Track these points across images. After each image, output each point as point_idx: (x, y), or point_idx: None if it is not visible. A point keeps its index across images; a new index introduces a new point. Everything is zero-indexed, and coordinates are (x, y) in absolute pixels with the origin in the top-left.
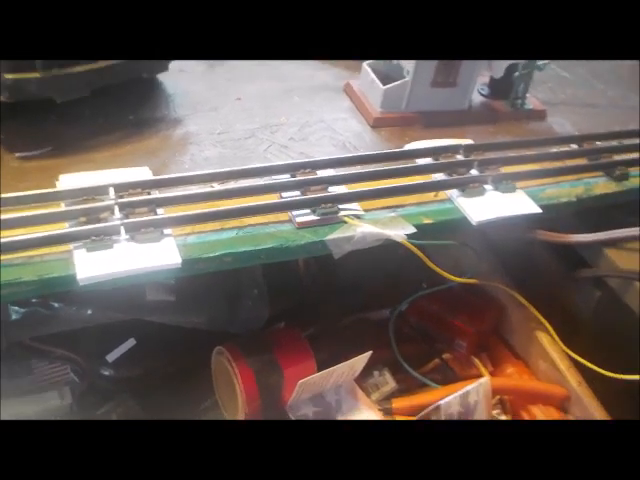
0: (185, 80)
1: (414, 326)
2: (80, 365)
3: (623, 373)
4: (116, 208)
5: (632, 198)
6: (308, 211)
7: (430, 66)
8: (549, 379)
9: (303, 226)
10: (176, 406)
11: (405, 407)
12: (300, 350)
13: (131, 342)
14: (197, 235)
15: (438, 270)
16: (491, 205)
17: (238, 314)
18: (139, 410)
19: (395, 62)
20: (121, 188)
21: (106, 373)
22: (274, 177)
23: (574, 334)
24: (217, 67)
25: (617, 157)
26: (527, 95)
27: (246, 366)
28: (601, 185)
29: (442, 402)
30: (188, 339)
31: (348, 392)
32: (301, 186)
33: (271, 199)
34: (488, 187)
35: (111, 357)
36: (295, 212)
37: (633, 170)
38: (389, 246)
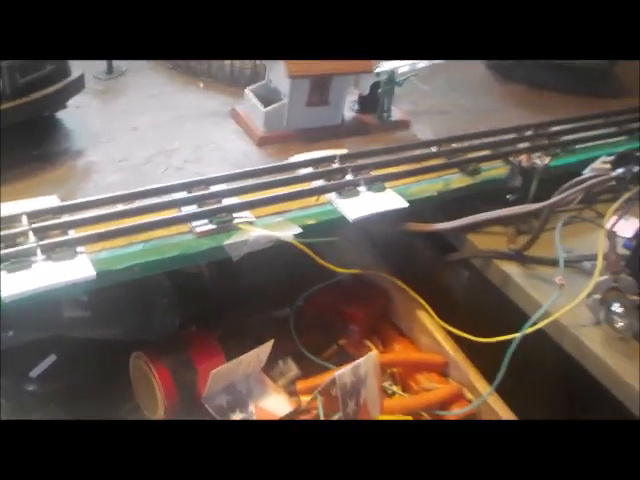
0: (82, 115)
1: (312, 318)
2: (4, 384)
3: (490, 337)
4: (30, 233)
5: (484, 189)
6: (206, 221)
7: (304, 87)
8: (430, 350)
9: (202, 235)
10: (100, 412)
11: (307, 387)
12: (211, 348)
13: (52, 358)
14: (108, 250)
15: (325, 264)
16: (365, 204)
17: (151, 322)
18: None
19: (273, 86)
20: (33, 215)
21: (30, 389)
22: (173, 195)
23: (450, 309)
24: (111, 101)
25: (470, 155)
26: (392, 108)
27: (163, 366)
28: (457, 180)
29: (336, 373)
30: (106, 349)
31: (257, 380)
32: (198, 200)
33: (172, 214)
34: (362, 189)
35: (34, 373)
36: (194, 223)
37: (484, 165)
38: (284, 248)
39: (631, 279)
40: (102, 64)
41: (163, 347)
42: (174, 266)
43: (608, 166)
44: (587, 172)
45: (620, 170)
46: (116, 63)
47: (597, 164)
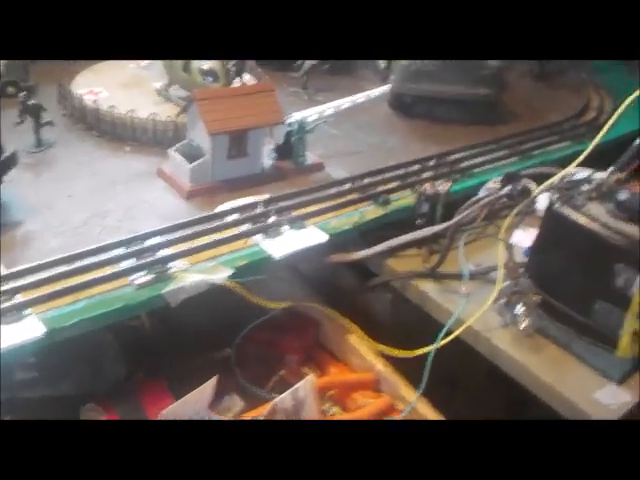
0: (17, 188)
1: (253, 353)
2: None
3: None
4: None
5: (396, 217)
6: (144, 273)
7: (223, 143)
8: (363, 369)
9: (141, 286)
10: None
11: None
12: (159, 393)
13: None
14: (55, 309)
15: (258, 301)
16: (289, 242)
17: (100, 375)
18: None
19: (195, 144)
20: None
21: None
22: (111, 252)
23: (377, 330)
24: (44, 172)
25: (380, 188)
26: (306, 153)
27: (115, 415)
28: (371, 211)
29: (277, 399)
30: (56, 406)
31: (205, 417)
32: (134, 255)
33: (112, 269)
34: (285, 228)
35: None
36: (133, 276)
37: (393, 196)
38: (220, 290)
39: (529, 281)
40: (31, 138)
41: (113, 397)
42: (118, 318)
43: (498, 185)
44: (481, 192)
45: (507, 188)
46: (45, 135)
47: (489, 184)
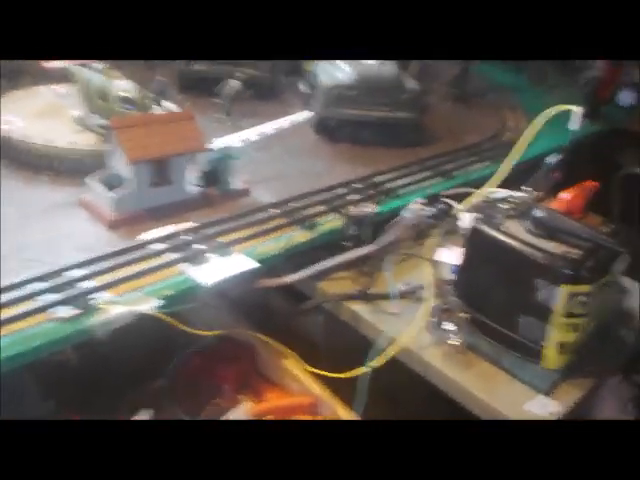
0: None
1: (187, 383)
2: None
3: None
4: None
5: (324, 240)
6: (68, 307)
7: (145, 170)
8: (299, 393)
9: (66, 320)
10: None
11: None
12: None
13: None
14: None
15: (188, 329)
16: (216, 269)
17: (27, 410)
18: None
19: (115, 172)
20: None
21: None
22: (31, 287)
23: (315, 353)
24: None
25: (306, 212)
26: (232, 179)
27: None
28: (298, 235)
29: None
30: None
31: None
32: (57, 289)
33: (33, 305)
34: (211, 255)
35: None
36: (57, 310)
37: (320, 219)
38: (150, 320)
39: (457, 300)
40: None
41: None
42: (42, 353)
43: (421, 206)
44: (405, 213)
45: (429, 209)
46: None
47: (412, 206)
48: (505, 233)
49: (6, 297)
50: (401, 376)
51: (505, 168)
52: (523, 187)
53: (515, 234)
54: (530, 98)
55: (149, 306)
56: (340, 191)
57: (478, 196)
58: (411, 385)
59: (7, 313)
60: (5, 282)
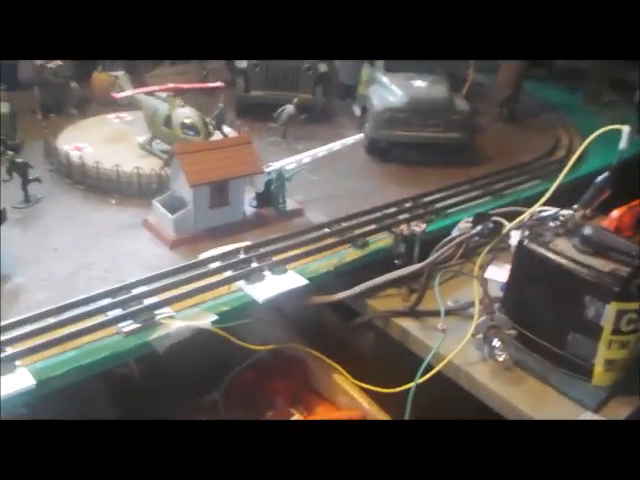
0: (5, 244)
1: (240, 397)
2: None
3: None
4: None
5: (374, 258)
6: (131, 322)
7: (205, 193)
8: (348, 408)
9: (128, 334)
10: None
11: None
12: None
13: None
14: (43, 360)
15: (243, 344)
16: (270, 286)
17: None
18: None
19: (177, 195)
20: None
21: None
22: (98, 302)
23: (364, 368)
24: (31, 227)
25: (357, 231)
26: (286, 200)
27: None
28: (350, 254)
29: None
30: None
31: None
32: (121, 304)
33: (99, 319)
34: (266, 273)
35: None
36: (120, 324)
37: (371, 238)
38: (206, 336)
39: (504, 317)
40: (19, 194)
41: None
42: (106, 366)
43: (470, 225)
44: (454, 232)
45: (478, 227)
46: (32, 192)
47: (461, 224)
48: (553, 250)
49: (75, 312)
50: (448, 392)
51: (554, 186)
52: (574, 206)
53: (563, 251)
54: (583, 117)
55: (206, 321)
56: (390, 210)
57: (527, 214)
58: (458, 401)
59: (76, 327)
60: (75, 298)
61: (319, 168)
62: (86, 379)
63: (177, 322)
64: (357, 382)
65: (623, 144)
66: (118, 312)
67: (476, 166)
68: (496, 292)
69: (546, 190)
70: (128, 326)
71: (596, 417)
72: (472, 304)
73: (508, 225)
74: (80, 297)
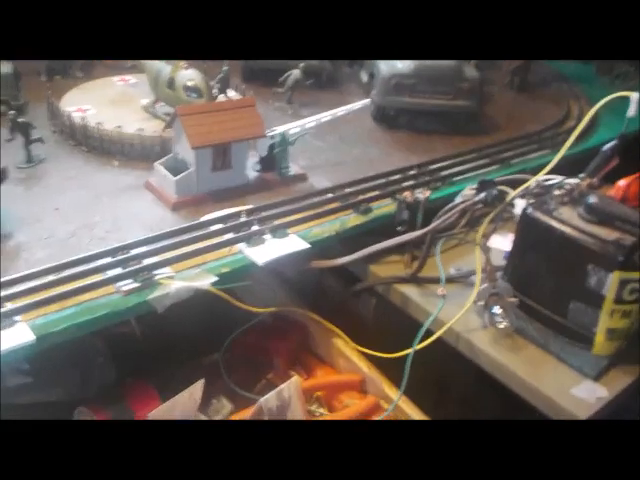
0: (7, 202)
1: (240, 358)
2: None
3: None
4: None
5: (377, 224)
6: (130, 281)
7: (207, 156)
8: (348, 371)
9: (128, 293)
10: None
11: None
12: (148, 396)
13: None
14: (43, 316)
15: (243, 306)
16: (271, 249)
17: (91, 380)
18: None
19: (180, 157)
20: None
21: None
22: (98, 261)
23: (362, 333)
24: (33, 187)
25: (361, 197)
26: (289, 164)
27: (104, 416)
28: (352, 219)
29: (262, 399)
30: (47, 412)
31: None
32: (121, 263)
33: (99, 278)
34: (267, 237)
35: None
36: (119, 283)
37: (374, 204)
38: (206, 297)
39: (507, 284)
40: (21, 154)
41: (103, 400)
42: (105, 324)
43: (473, 192)
44: (457, 199)
45: (482, 195)
46: (35, 152)
47: (465, 191)
48: (557, 219)
49: (75, 270)
50: (449, 358)
51: (560, 154)
52: (580, 174)
53: (568, 220)
54: (596, 88)
55: (206, 282)
56: (395, 177)
57: (532, 182)
58: (459, 367)
59: (76, 284)
60: (75, 257)
61: (324, 134)
62: (85, 335)
63: (176, 282)
64: (357, 346)
65: (631, 112)
66: (117, 271)
67: (485, 135)
68: (499, 261)
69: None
70: (127, 285)
71: (597, 386)
72: (474, 272)
73: (512, 192)
74: (80, 256)
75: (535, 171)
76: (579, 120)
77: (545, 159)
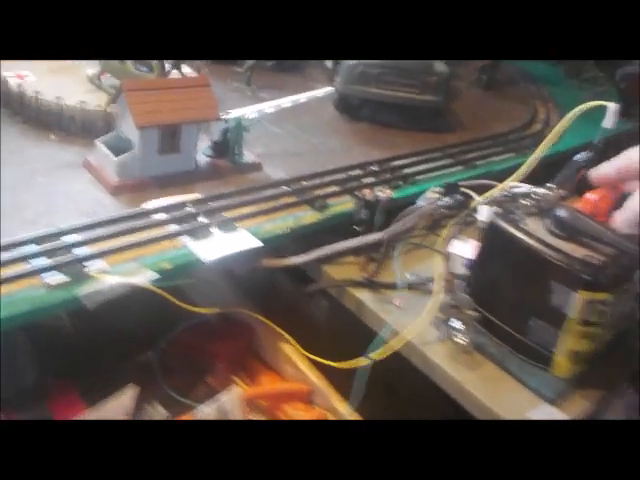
0: None
1: (178, 359)
2: None
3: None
4: None
5: (334, 222)
6: (58, 273)
7: (154, 137)
8: (295, 380)
9: (55, 287)
10: None
11: None
12: (70, 400)
13: None
14: None
15: (182, 305)
16: (219, 245)
17: (7, 379)
18: None
19: (124, 136)
20: None
21: None
22: (22, 249)
23: (313, 339)
24: None
25: (318, 192)
26: (244, 151)
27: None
28: (308, 216)
29: (198, 409)
30: None
31: None
32: (48, 252)
33: (22, 268)
34: (215, 230)
35: None
36: (45, 275)
37: (331, 201)
38: (144, 294)
39: (466, 296)
40: None
41: (20, 402)
42: (27, 320)
43: (437, 195)
44: (419, 201)
45: (446, 199)
46: None
47: (428, 194)
48: (523, 230)
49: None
50: (402, 371)
51: (531, 162)
52: (548, 184)
53: (534, 233)
54: (563, 91)
55: (144, 278)
56: (355, 173)
57: (499, 189)
58: (411, 381)
59: None
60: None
61: (283, 121)
62: (4, 332)
63: (111, 277)
64: (306, 353)
65: (609, 122)
66: (46, 261)
67: (449, 133)
68: (459, 268)
69: (520, 164)
70: (55, 278)
71: (554, 410)
72: (432, 279)
73: (477, 198)
74: (2, 241)
75: (499, 174)
76: (546, 124)
77: (510, 163)
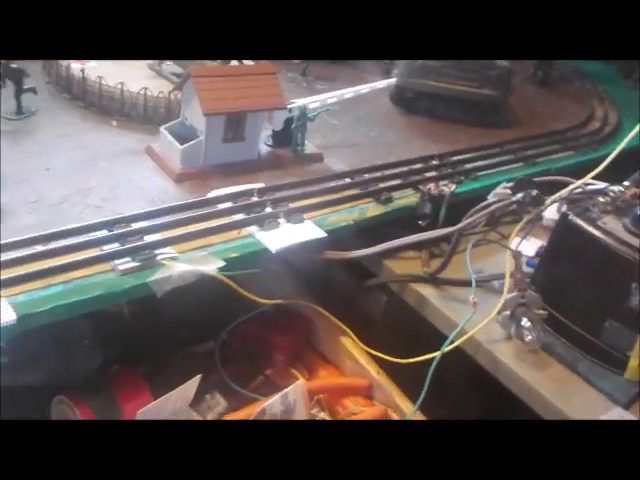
0: None
1: (238, 350)
2: None
3: (409, 357)
4: None
5: (397, 216)
6: (128, 259)
7: (219, 124)
8: (354, 374)
9: (125, 272)
10: None
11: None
12: (136, 387)
13: None
14: (26, 294)
15: (247, 295)
16: (285, 235)
17: (73, 365)
18: None
19: (188, 123)
20: None
21: None
22: (93, 234)
23: (371, 333)
24: (21, 142)
25: (382, 185)
26: (305, 142)
27: (87, 409)
28: (372, 209)
29: (266, 404)
30: (26, 397)
31: (185, 417)
32: (119, 238)
33: (93, 253)
34: (282, 221)
35: None
36: (116, 261)
37: (395, 194)
38: (208, 281)
39: (536, 294)
40: (11, 104)
41: (86, 389)
42: (97, 306)
43: (508, 191)
44: (490, 197)
45: (519, 195)
46: (26, 103)
47: (499, 189)
48: (602, 229)
49: (66, 242)
50: (465, 369)
51: (609, 159)
52: (624, 182)
53: (612, 231)
54: (618, 90)
55: (212, 267)
56: (417, 166)
57: (575, 186)
58: (475, 380)
59: (66, 259)
60: (67, 226)
61: (340, 112)
62: (73, 318)
63: (180, 265)
64: (366, 348)
65: None
66: (115, 247)
67: (506, 129)
68: (523, 267)
69: (579, 162)
70: (125, 264)
71: (628, 414)
72: (499, 276)
73: (552, 196)
74: (73, 225)
75: (560, 172)
76: (604, 122)
77: (569, 160)
